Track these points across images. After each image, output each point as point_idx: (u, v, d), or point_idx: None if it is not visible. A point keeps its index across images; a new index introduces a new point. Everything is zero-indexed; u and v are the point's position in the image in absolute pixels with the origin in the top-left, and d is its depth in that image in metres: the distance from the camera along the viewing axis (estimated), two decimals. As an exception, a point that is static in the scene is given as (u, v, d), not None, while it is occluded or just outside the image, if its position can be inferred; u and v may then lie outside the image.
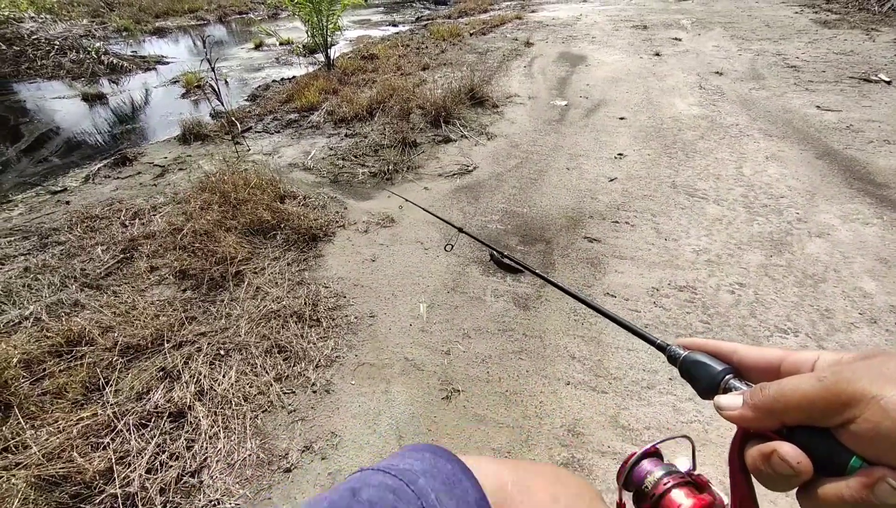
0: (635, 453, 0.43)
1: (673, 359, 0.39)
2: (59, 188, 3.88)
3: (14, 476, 1.46)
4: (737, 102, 4.66)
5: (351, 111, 4.56)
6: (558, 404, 1.80)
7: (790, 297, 2.22)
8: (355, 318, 2.19)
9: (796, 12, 8.57)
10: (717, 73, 5.51)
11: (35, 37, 8.87)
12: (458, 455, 0.31)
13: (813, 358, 0.31)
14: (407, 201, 1.63)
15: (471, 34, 8.09)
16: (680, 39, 7.18)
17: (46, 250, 2.86)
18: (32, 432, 1.62)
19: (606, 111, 4.64)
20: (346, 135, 4.28)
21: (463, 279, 2.45)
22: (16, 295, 2.44)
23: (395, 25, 10.46)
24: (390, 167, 3.57)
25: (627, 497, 0.42)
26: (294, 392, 1.86)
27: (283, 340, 2.03)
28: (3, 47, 8.24)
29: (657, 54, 6.42)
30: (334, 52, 6.47)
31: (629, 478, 0.42)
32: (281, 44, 8.81)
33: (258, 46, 8.80)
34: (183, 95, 6.24)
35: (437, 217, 1.25)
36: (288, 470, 1.61)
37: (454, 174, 3.57)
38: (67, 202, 3.56)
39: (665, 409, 1.74)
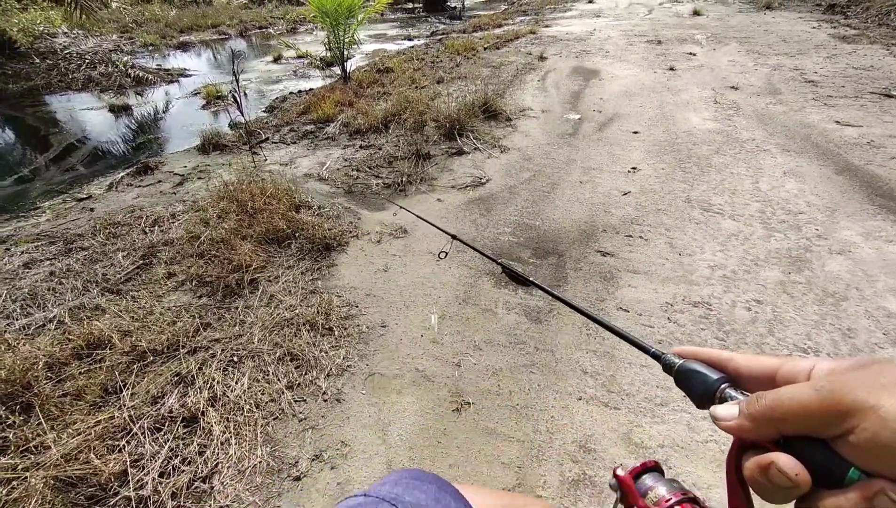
0: (637, 467, 0.41)
1: (668, 368, 0.39)
2: (85, 196, 4.01)
3: (33, 476, 1.50)
4: (753, 116, 4.62)
5: (366, 123, 4.64)
6: (570, 419, 1.78)
7: (810, 315, 2.17)
8: (367, 328, 2.21)
9: (814, 27, 8.50)
10: (733, 87, 5.48)
11: (67, 51, 9.27)
12: (459, 484, 0.32)
13: (809, 366, 0.30)
14: (402, 208, 1.64)
15: (485, 48, 8.20)
16: (694, 54, 7.17)
17: (71, 255, 2.95)
18: (54, 434, 1.66)
19: (620, 125, 4.64)
20: (360, 146, 4.36)
21: (474, 291, 2.45)
22: (41, 298, 2.51)
23: (410, 39, 10.65)
24: (404, 179, 3.61)
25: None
26: (305, 401, 1.87)
27: (295, 348, 2.05)
28: (37, 61, 8.62)
29: (671, 69, 6.42)
30: (350, 66, 6.61)
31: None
32: (299, 57, 9.04)
33: (277, 59, 9.04)
34: (203, 107, 6.43)
35: (430, 223, 1.27)
36: (297, 479, 1.61)
37: (467, 186, 3.59)
38: (91, 209, 3.67)
39: (679, 427, 1.71)
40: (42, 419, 1.71)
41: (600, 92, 5.66)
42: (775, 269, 2.49)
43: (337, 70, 6.99)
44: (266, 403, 1.85)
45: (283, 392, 1.89)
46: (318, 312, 2.25)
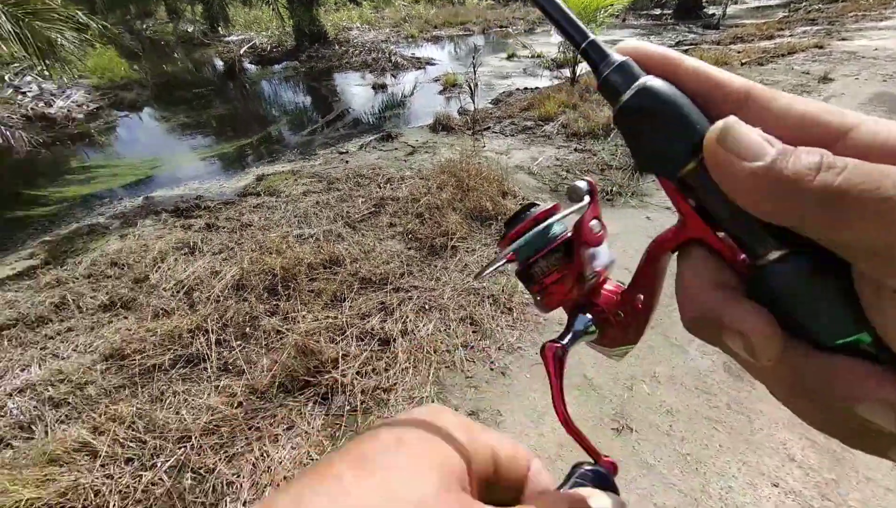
0: (539, 213, 0.27)
1: (611, 84, 0.21)
2: (344, 151, 5.13)
3: (289, 336, 2.07)
4: None
5: (586, 127, 4.59)
6: (754, 500, 1.49)
7: None
8: (544, 319, 2.26)
9: None
10: None
11: (356, 40, 11.84)
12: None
13: (852, 123, 0.18)
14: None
15: (742, 63, 7.04)
16: None
17: (329, 193, 3.84)
18: (302, 314, 2.25)
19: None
20: (575, 149, 4.35)
21: (667, 320, 2.23)
22: (308, 218, 3.37)
23: (649, 47, 9.92)
24: (614, 189, 3.47)
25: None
26: (474, 363, 2.05)
27: (476, 315, 2.26)
28: (337, 48, 11.27)
29: None
30: (581, 69, 6.58)
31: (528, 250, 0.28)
32: (531, 56, 9.45)
33: (510, 57, 9.64)
34: (440, 92, 7.37)
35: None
36: (453, 425, 1.80)
37: (682, 210, 3.23)
38: (347, 162, 4.67)
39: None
40: (298, 302, 2.33)
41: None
42: None
43: (566, 72, 7.06)
44: (442, 351, 2.10)
45: (458, 348, 2.11)
46: (503, 291, 2.40)
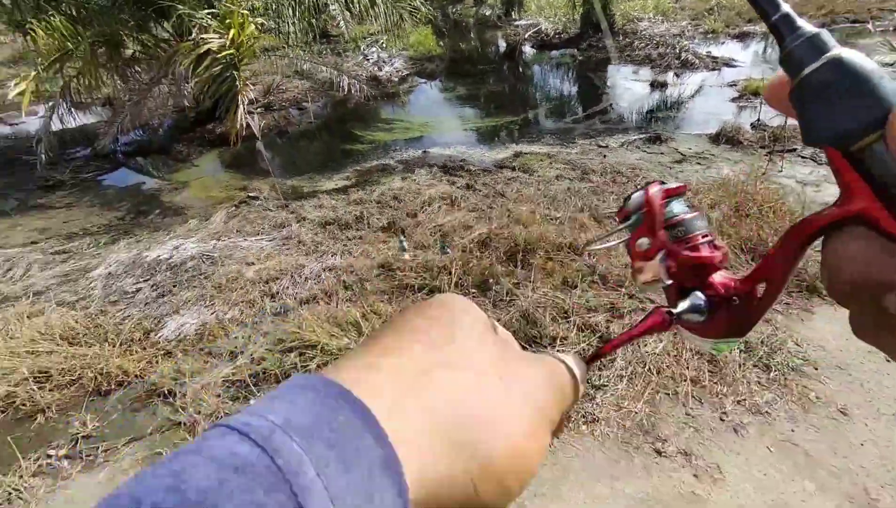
0: (670, 189, 0.28)
1: (799, 58, 0.20)
2: (604, 144, 5.01)
3: (518, 300, 2.27)
4: None
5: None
6: None
7: None
8: (816, 398, 1.79)
9: None
10: None
11: (643, 32, 11.08)
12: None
13: None
14: None
15: None
16: None
17: (582, 183, 3.87)
18: (536, 285, 2.42)
19: None
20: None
21: None
22: (556, 202, 3.49)
23: None
24: None
25: None
26: (702, 403, 1.82)
27: (720, 356, 1.97)
28: (621, 38, 10.83)
29: None
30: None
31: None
32: None
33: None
34: (733, 99, 6.27)
35: None
36: (658, 453, 1.67)
37: None
38: (605, 156, 4.56)
39: None
40: (532, 274, 2.51)
41: None
42: None
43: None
44: (667, 377, 1.93)
45: (685, 380, 1.90)
46: (763, 342, 2.01)
